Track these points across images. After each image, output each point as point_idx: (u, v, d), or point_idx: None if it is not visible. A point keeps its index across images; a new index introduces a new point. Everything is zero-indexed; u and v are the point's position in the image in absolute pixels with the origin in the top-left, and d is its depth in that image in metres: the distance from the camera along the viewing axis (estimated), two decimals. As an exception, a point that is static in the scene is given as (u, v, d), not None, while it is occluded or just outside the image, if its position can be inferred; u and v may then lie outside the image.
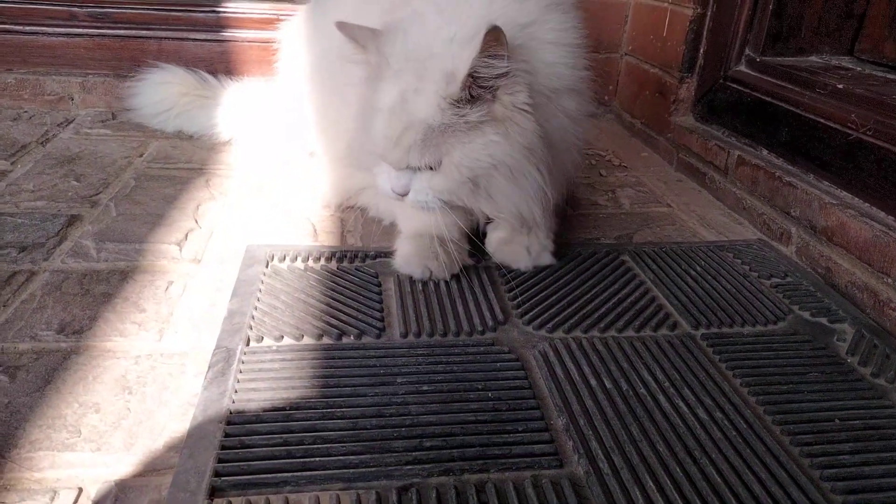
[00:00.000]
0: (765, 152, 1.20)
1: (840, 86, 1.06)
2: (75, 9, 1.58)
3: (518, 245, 0.97)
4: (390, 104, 0.79)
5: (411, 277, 0.93)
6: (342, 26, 0.84)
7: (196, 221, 1.09)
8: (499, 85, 0.77)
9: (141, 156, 1.36)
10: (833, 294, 0.95)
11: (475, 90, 0.77)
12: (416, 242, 0.94)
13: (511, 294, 0.92)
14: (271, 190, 1.23)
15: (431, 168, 0.81)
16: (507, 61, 0.75)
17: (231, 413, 0.66)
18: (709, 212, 1.25)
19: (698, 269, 1.00)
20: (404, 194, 0.83)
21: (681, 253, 1.05)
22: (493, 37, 0.72)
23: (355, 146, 0.90)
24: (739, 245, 1.09)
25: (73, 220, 1.06)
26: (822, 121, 1.06)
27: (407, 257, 0.94)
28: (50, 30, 1.57)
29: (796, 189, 1.06)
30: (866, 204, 0.97)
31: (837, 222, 0.97)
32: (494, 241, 0.99)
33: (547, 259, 0.99)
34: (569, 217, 1.17)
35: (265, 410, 0.67)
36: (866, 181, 0.97)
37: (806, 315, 0.90)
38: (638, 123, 1.62)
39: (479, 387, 0.72)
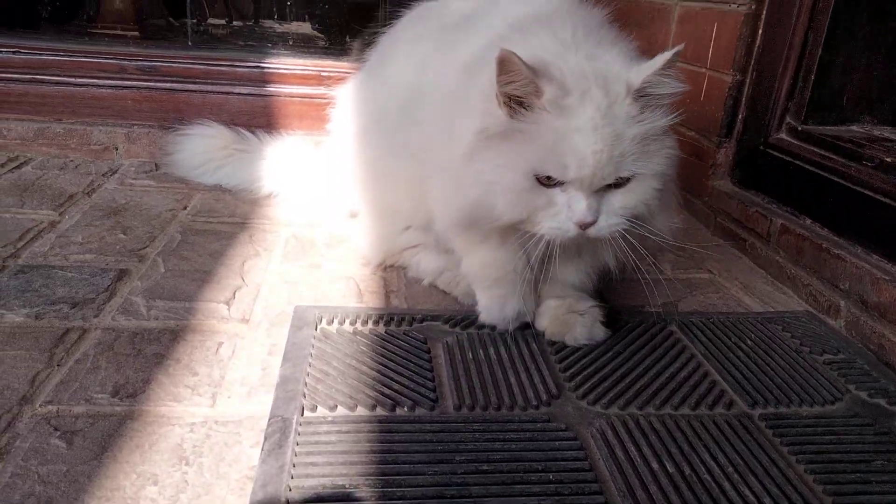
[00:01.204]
0: (808, 221, 1.19)
1: (888, 159, 1.07)
2: (125, 62, 1.63)
3: (574, 317, 0.97)
4: (591, 121, 0.79)
5: (468, 344, 0.93)
6: (507, 60, 0.77)
7: (242, 279, 1.10)
8: (667, 101, 0.84)
9: (185, 208, 1.38)
10: (889, 373, 0.94)
11: (653, 102, 0.82)
12: (501, 287, 0.95)
13: (562, 365, 0.91)
14: (313, 246, 1.24)
15: (623, 185, 0.83)
16: (674, 81, 0.82)
17: (290, 490, 0.66)
18: (751, 279, 1.24)
19: (748, 342, 0.99)
20: (594, 221, 0.82)
21: (729, 325, 1.04)
22: (673, 58, 0.80)
23: (479, 201, 0.85)
24: (787, 317, 1.08)
25: (122, 275, 1.07)
26: (870, 194, 1.06)
27: (499, 303, 0.95)
28: (100, 82, 1.61)
29: (845, 262, 1.06)
30: (921, 280, 0.96)
31: (891, 298, 0.96)
32: (548, 313, 0.98)
33: (600, 334, 0.97)
34: (613, 283, 1.17)
35: (325, 488, 0.66)
36: (920, 258, 0.97)
37: (863, 395, 0.88)
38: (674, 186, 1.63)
39: (539, 468, 0.71)
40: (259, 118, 1.67)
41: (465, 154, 0.84)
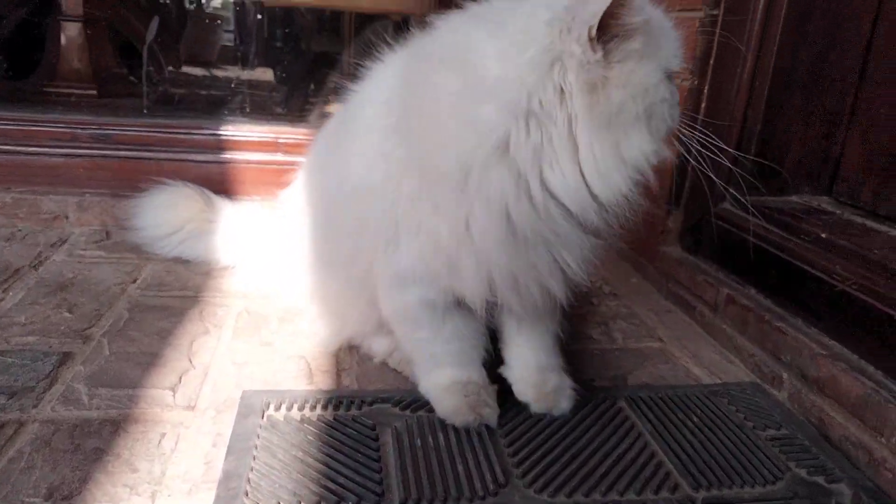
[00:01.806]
0: (753, 291, 1.23)
1: (823, 234, 1.11)
2: (78, 130, 1.62)
3: (556, 381, 1.00)
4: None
5: (417, 430, 0.93)
6: None
7: (190, 360, 1.08)
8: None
9: (135, 281, 1.36)
10: (828, 448, 0.96)
11: None
12: (462, 390, 0.95)
13: (510, 449, 0.91)
14: (266, 322, 1.23)
15: None
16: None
17: None
18: (701, 348, 1.27)
19: (695, 418, 1.01)
20: None
21: (677, 400, 1.06)
22: None
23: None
24: (733, 389, 1.10)
25: (65, 359, 1.05)
26: (808, 269, 1.10)
27: (458, 408, 0.94)
28: (52, 150, 1.60)
29: (786, 335, 1.09)
30: (856, 356, 0.99)
31: (829, 374, 0.99)
32: (530, 378, 1.00)
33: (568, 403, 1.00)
34: (564, 353, 1.18)
35: None
36: (855, 333, 1.00)
37: (803, 473, 0.90)
38: (627, 248, 1.67)
39: (483, 568, 0.70)
40: (215, 185, 1.66)
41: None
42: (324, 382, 1.06)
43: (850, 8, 1.22)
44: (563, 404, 0.98)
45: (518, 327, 1.01)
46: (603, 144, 0.74)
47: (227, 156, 1.67)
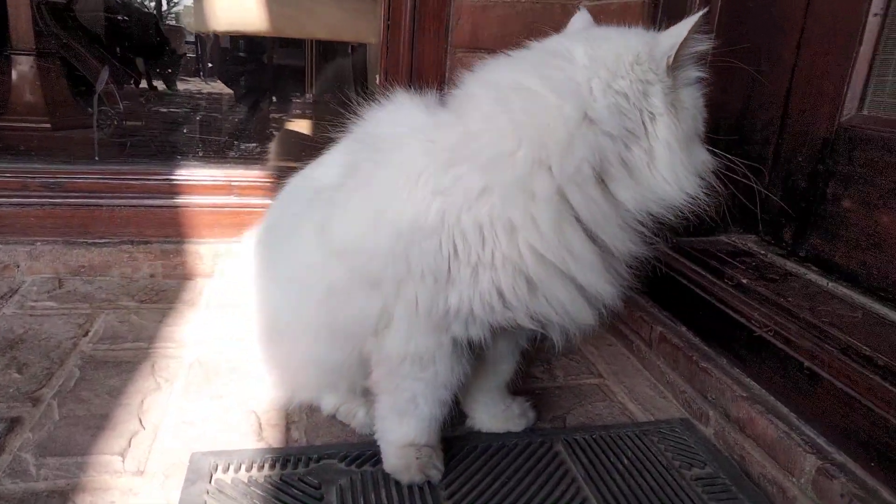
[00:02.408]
0: (684, 329, 1.30)
1: (745, 280, 1.18)
2: (28, 179, 1.63)
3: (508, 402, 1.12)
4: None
5: (361, 487, 0.97)
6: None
7: (140, 420, 1.11)
8: None
9: (87, 334, 1.37)
10: (748, 486, 1.02)
11: None
12: (413, 453, 1.00)
13: (450, 501, 0.95)
14: (217, 374, 1.26)
15: None
16: None
17: None
18: (637, 383, 1.33)
19: (625, 461, 1.06)
20: None
21: (609, 441, 1.11)
22: None
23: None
24: (664, 427, 1.17)
25: (13, 426, 1.07)
26: (731, 313, 1.17)
27: (408, 469, 0.99)
28: (1, 200, 1.60)
29: (711, 376, 1.16)
30: (772, 397, 1.06)
31: (747, 416, 1.06)
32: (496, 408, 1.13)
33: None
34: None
35: None
36: (771, 376, 1.07)
37: (724, 514, 0.96)
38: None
39: None
40: (169, 229, 1.68)
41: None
42: (273, 437, 1.10)
43: (770, 66, 1.29)
44: (523, 424, 1.14)
45: (495, 362, 1.11)
46: (682, 157, 0.86)
47: (181, 200, 1.69)
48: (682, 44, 0.83)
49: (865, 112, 1.14)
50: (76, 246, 1.62)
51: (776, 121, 1.31)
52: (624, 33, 0.89)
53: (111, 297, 1.56)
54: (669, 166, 0.85)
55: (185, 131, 2.98)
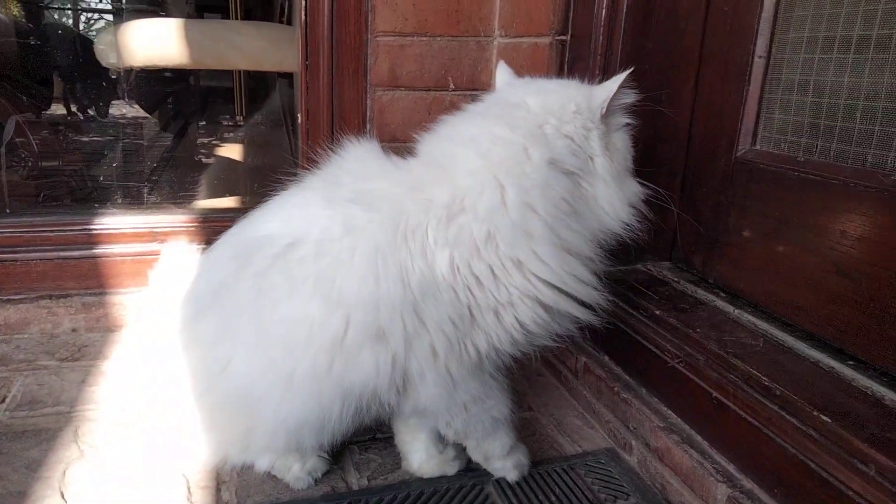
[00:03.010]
0: (607, 359, 1.35)
1: (657, 311, 1.24)
2: (-67, 237, 1.55)
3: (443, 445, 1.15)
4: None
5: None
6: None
7: (63, 495, 1.07)
8: None
9: (3, 401, 1.32)
10: (669, 514, 1.07)
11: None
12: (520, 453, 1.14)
13: (381, 557, 0.97)
14: (143, 435, 1.23)
15: None
16: None
17: None
18: (565, 413, 1.37)
19: (553, 498, 1.10)
20: None
21: (538, 478, 1.15)
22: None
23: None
24: (590, 459, 1.21)
25: (-77, 511, 1.02)
26: (646, 344, 1.22)
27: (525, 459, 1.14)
28: None
29: (631, 406, 1.21)
30: (688, 427, 1.12)
31: (665, 445, 1.11)
32: (421, 450, 1.14)
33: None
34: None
35: None
36: (686, 406, 1.13)
37: (646, 544, 1.01)
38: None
39: None
40: (90, 280, 1.63)
41: None
42: (202, 500, 1.08)
43: (672, 104, 1.35)
44: (456, 466, 1.16)
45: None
46: (616, 190, 1.00)
47: (101, 250, 1.64)
48: (612, 97, 0.97)
49: (758, 147, 1.22)
50: (-11, 304, 1.56)
51: (681, 154, 1.37)
52: (565, 86, 1.03)
53: (30, 356, 1.50)
54: (607, 199, 0.99)
55: (105, 168, 2.89)
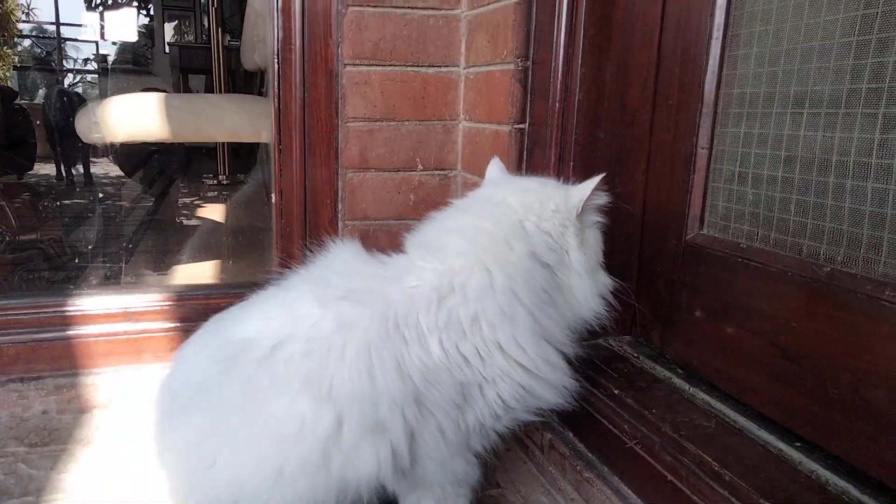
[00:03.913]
0: (570, 435, 1.38)
1: (616, 390, 1.27)
2: None
3: None
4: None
5: None
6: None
7: None
8: None
9: (-30, 492, 1.32)
10: None
11: None
12: None
13: None
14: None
15: None
16: None
17: None
18: (532, 490, 1.39)
19: (517, 584, 1.11)
20: None
21: (503, 562, 1.16)
22: None
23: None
24: (555, 541, 1.23)
25: None
26: (606, 423, 1.26)
27: None
28: None
29: (594, 486, 1.23)
30: (647, 508, 1.14)
31: (625, 528, 1.13)
32: None
33: None
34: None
35: None
36: (644, 488, 1.15)
37: None
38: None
39: None
40: (62, 361, 1.65)
41: None
42: None
43: (624, 188, 1.42)
44: None
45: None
46: (589, 282, 1.10)
47: (74, 331, 1.66)
48: (587, 198, 1.08)
49: (705, 232, 1.28)
50: (-41, 389, 1.56)
51: (637, 235, 1.44)
52: (544, 185, 1.13)
53: (-2, 442, 1.50)
54: (581, 290, 1.10)
55: (84, 235, 2.92)
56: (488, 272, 1.01)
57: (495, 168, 1.23)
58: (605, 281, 1.14)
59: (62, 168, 5.28)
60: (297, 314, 1.00)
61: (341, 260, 1.09)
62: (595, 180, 1.08)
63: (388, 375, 0.94)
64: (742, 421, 1.14)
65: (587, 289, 1.10)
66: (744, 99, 1.20)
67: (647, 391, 1.27)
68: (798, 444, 1.06)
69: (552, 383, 1.06)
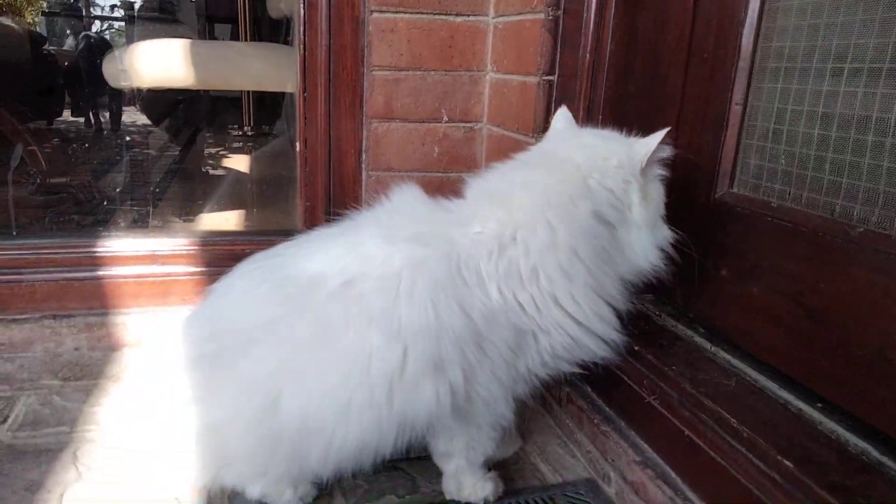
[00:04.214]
0: (588, 389, 1.39)
1: (636, 346, 1.27)
2: (-57, 258, 1.61)
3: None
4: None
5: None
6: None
7: (59, 517, 1.13)
8: None
9: (6, 420, 1.38)
10: (641, 547, 1.11)
11: None
12: (491, 485, 1.20)
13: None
14: (140, 458, 1.28)
15: None
16: None
17: None
18: (549, 441, 1.42)
19: (530, 529, 1.14)
20: None
21: (518, 509, 1.19)
22: None
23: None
24: (570, 490, 1.25)
25: (-73, 532, 1.07)
26: (625, 378, 1.26)
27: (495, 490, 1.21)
28: (-86, 281, 1.58)
29: (610, 439, 1.25)
30: (662, 462, 1.16)
31: (640, 480, 1.15)
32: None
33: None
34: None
35: None
36: (660, 442, 1.16)
37: (616, 577, 1.05)
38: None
39: None
40: (93, 301, 1.69)
41: None
42: (194, 526, 1.13)
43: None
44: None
45: None
46: (649, 236, 1.11)
47: (104, 272, 1.69)
48: (651, 152, 1.08)
49: (735, 190, 1.26)
50: (-3, 324, 1.61)
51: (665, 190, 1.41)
52: (607, 139, 1.14)
53: (33, 375, 1.56)
54: (640, 244, 1.11)
55: (112, 181, 2.96)
56: (552, 229, 1.03)
57: (562, 118, 1.22)
58: (666, 233, 1.14)
59: (90, 115, 5.32)
60: (367, 254, 1.02)
61: (407, 204, 1.12)
62: (660, 135, 1.08)
63: (453, 313, 0.98)
64: (763, 380, 1.14)
65: (646, 242, 1.11)
66: (782, 53, 1.16)
67: (668, 349, 1.27)
68: (819, 404, 1.06)
69: (602, 336, 1.09)
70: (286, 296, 1.03)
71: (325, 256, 1.05)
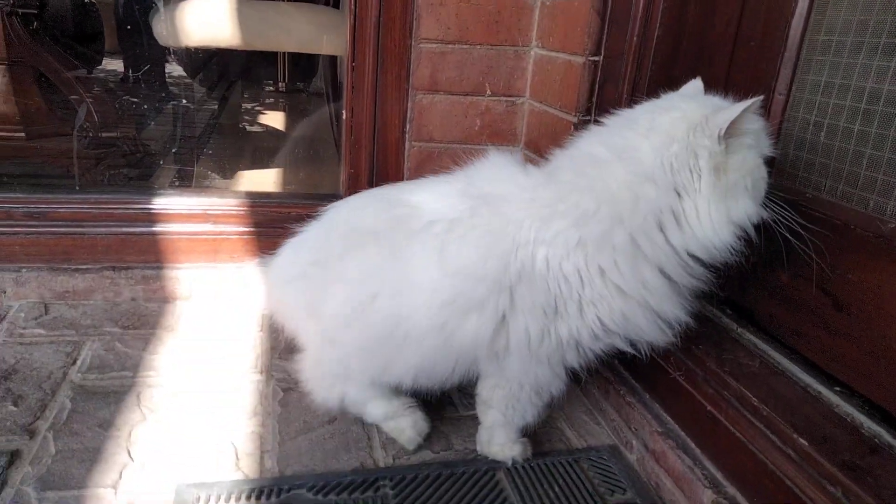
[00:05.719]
0: (616, 361, 1.46)
1: (665, 324, 1.34)
2: (12, 209, 1.72)
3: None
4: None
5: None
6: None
7: (129, 453, 1.24)
8: None
9: (75, 363, 1.49)
10: (659, 510, 1.20)
11: None
12: (521, 448, 1.29)
13: (401, 529, 1.11)
14: (197, 403, 1.39)
15: None
16: None
17: None
18: (575, 409, 1.50)
19: (557, 488, 1.23)
20: None
21: (545, 468, 1.28)
22: None
23: None
24: (593, 455, 1.33)
25: (13, 459, 1.19)
26: (651, 353, 1.33)
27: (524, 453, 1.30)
28: (-13, 230, 1.70)
29: (634, 409, 1.32)
30: (683, 433, 1.23)
31: (661, 449, 1.23)
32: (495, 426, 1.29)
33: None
34: (462, 417, 1.39)
35: None
36: (682, 415, 1.24)
37: (635, 535, 1.14)
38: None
39: None
40: (148, 255, 1.79)
41: None
42: (248, 467, 1.24)
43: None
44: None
45: None
46: (720, 209, 1.03)
47: (160, 228, 1.79)
48: (735, 120, 0.99)
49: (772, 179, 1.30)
50: (60, 272, 1.72)
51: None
52: (689, 102, 1.08)
53: (96, 322, 1.67)
54: (707, 217, 1.04)
55: (156, 135, 3.05)
56: (595, 201, 1.05)
57: (693, 86, 1.18)
58: (748, 210, 1.04)
59: (129, 68, 5.39)
60: (448, 202, 1.17)
61: (493, 166, 1.21)
62: (745, 104, 0.99)
63: (495, 262, 1.08)
64: (786, 363, 1.20)
65: (716, 216, 1.03)
66: (829, 46, 1.18)
67: (695, 328, 1.33)
68: (837, 388, 1.12)
69: (653, 310, 1.09)
70: (392, 215, 1.20)
71: (424, 195, 1.21)
